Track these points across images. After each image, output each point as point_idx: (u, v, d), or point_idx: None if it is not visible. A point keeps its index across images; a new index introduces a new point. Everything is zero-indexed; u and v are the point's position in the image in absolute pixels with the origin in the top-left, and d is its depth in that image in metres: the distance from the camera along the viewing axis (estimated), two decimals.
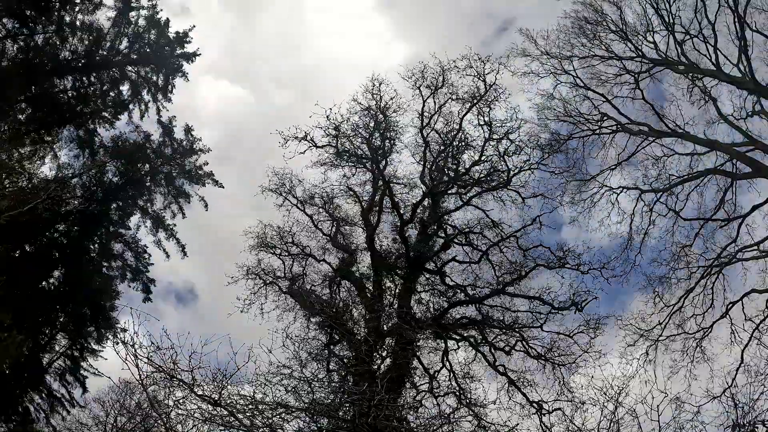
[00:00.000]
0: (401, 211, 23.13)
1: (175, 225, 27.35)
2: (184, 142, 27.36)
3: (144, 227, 26.97)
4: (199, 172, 27.48)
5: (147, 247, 27.03)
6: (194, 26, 26.53)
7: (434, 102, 23.74)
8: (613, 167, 26.04)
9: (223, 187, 27.74)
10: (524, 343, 22.74)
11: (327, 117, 23.24)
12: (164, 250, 27.19)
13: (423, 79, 23.44)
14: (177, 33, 26.11)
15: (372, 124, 23.88)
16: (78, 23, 23.96)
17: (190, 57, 26.66)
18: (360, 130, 23.91)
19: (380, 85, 23.68)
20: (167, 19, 25.92)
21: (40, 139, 23.08)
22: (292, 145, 23.55)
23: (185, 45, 26.31)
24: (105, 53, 24.88)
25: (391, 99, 23.82)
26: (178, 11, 54.46)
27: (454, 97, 23.79)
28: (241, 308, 23.24)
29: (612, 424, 13.99)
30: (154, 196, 27.24)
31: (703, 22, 23.26)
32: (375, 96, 23.61)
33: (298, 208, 24.23)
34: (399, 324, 19.30)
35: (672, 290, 24.47)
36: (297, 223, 24.32)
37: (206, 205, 27.74)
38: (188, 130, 27.45)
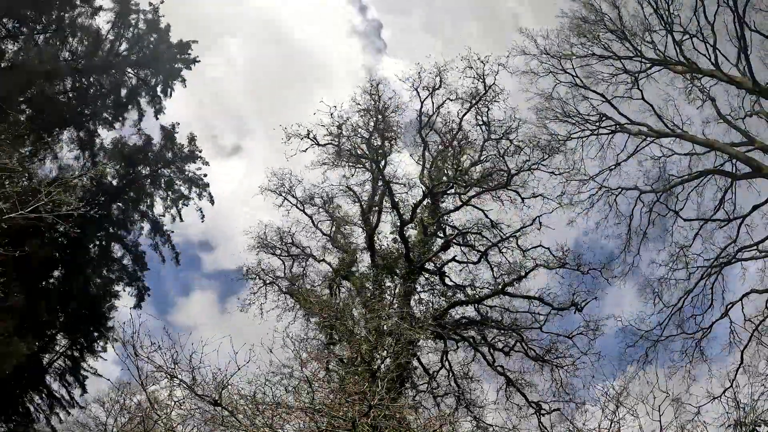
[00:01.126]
0: (401, 211, 23.13)
1: (172, 231, 27.50)
2: (186, 149, 27.45)
3: (142, 234, 27.14)
4: (199, 181, 27.60)
5: (145, 254, 27.19)
6: (196, 41, 26.80)
7: (432, 102, 23.76)
8: (612, 168, 26.05)
9: (213, 203, 28.03)
10: (523, 344, 22.76)
11: (331, 114, 23.19)
12: (161, 254, 27.32)
13: (419, 80, 23.42)
14: (180, 41, 26.25)
15: (371, 124, 23.88)
16: (78, 24, 24.01)
17: (190, 63, 26.79)
18: (360, 130, 23.91)
19: (378, 85, 23.73)
20: (168, 24, 26.07)
21: (40, 140, 23.06)
22: (295, 142, 23.48)
23: (187, 53, 26.47)
24: (105, 55, 24.92)
25: (390, 99, 23.87)
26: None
27: (452, 97, 23.80)
28: (241, 308, 23.36)
29: (613, 424, 14.02)
30: (154, 199, 27.33)
31: (702, 21, 23.23)
32: (373, 97, 23.62)
33: (297, 208, 24.24)
34: (399, 324, 19.29)
35: (671, 291, 24.52)
36: (297, 223, 24.36)
37: (203, 217, 27.89)
38: (191, 138, 27.57)
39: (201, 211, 27.84)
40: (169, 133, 27.15)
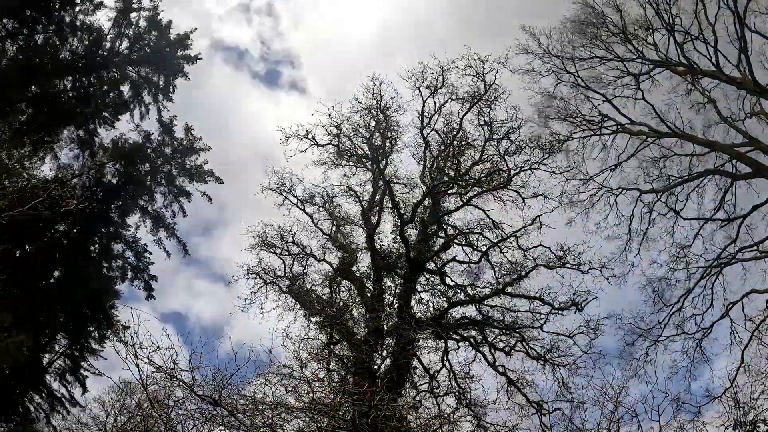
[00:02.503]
0: (401, 211, 23.11)
1: (175, 224, 27.45)
2: (185, 141, 27.41)
3: (144, 227, 27.07)
4: (200, 170, 27.54)
5: (147, 246, 27.13)
6: (195, 29, 26.75)
7: (434, 102, 23.72)
8: (613, 168, 26.05)
9: (223, 183, 27.94)
10: (524, 343, 22.72)
11: (329, 115, 23.19)
12: (165, 249, 27.29)
13: (423, 79, 23.41)
14: (178, 35, 26.22)
15: (372, 124, 23.86)
16: (78, 23, 23.98)
17: (192, 59, 26.76)
18: (360, 130, 23.90)
19: (380, 84, 23.70)
20: (169, 21, 26.04)
21: (40, 140, 23.05)
22: (294, 143, 23.46)
23: (186, 47, 26.42)
24: (105, 54, 24.90)
25: (392, 98, 23.85)
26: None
27: (454, 97, 23.77)
28: (242, 307, 23.33)
29: (612, 424, 14.00)
30: (154, 195, 27.30)
31: (703, 23, 23.28)
32: (375, 96, 23.61)
33: (298, 207, 24.19)
34: (399, 324, 19.28)
35: (671, 290, 24.53)
36: (297, 222, 24.32)
37: (210, 199, 27.84)
38: (188, 129, 27.50)
39: (207, 195, 27.87)
40: (167, 128, 27.12)
